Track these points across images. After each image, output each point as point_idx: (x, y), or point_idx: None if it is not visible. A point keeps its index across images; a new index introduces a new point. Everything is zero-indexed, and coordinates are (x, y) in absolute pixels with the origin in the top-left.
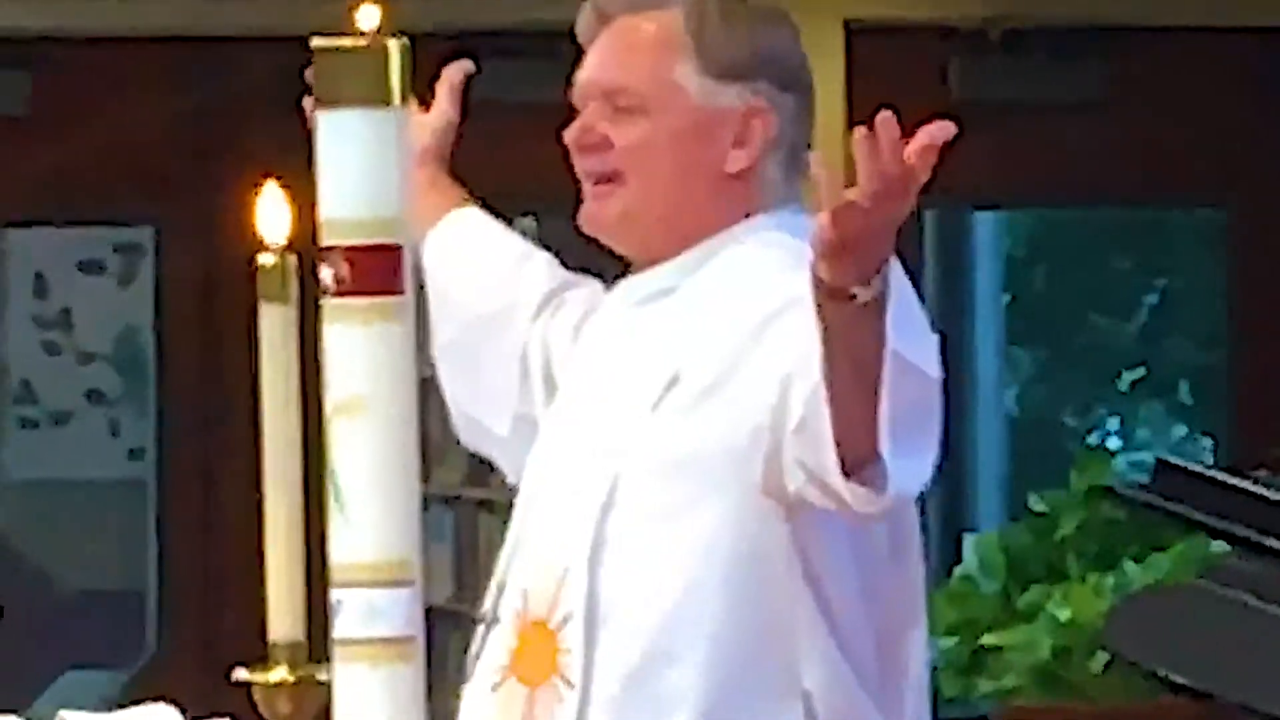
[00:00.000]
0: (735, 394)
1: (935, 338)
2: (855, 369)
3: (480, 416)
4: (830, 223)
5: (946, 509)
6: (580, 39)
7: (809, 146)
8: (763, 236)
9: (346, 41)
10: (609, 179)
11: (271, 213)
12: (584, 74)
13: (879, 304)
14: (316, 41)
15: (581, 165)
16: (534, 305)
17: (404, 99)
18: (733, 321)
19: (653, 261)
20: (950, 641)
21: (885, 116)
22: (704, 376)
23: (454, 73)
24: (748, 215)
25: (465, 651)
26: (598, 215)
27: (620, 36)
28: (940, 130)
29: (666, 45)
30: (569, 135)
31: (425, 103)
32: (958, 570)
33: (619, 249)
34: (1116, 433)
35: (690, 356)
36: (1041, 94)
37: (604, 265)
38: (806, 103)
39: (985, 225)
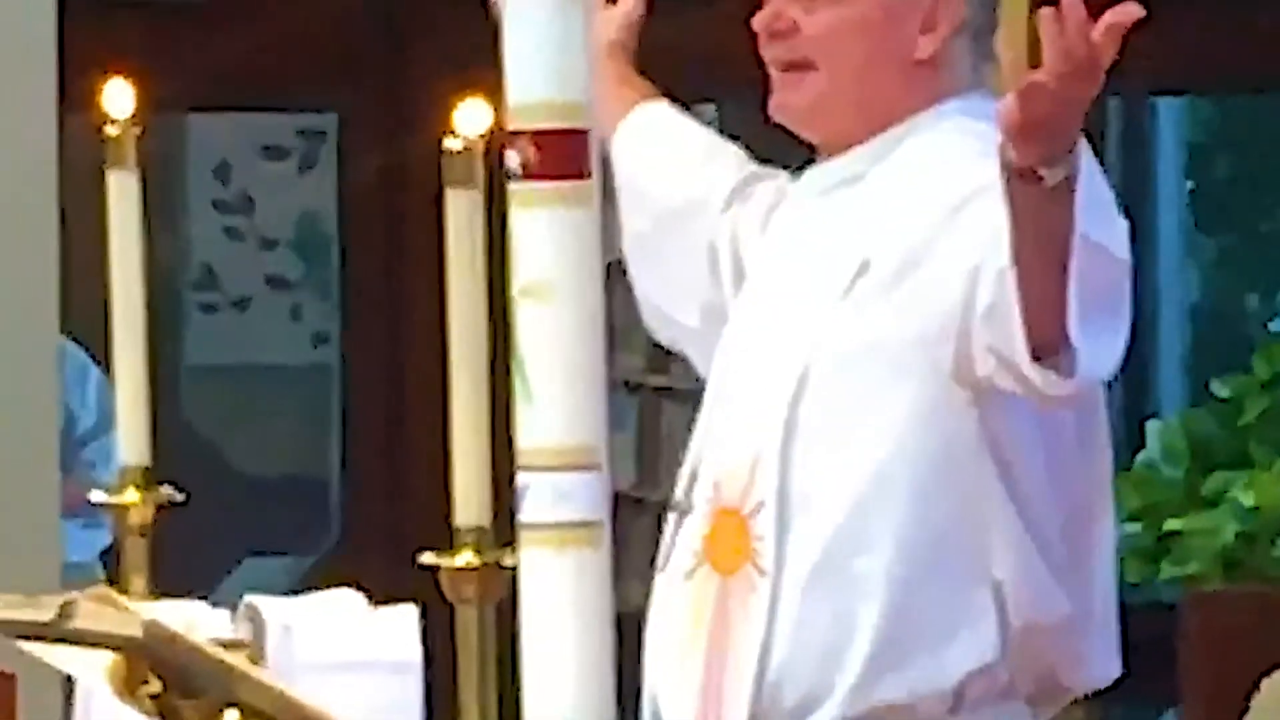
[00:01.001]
0: (925, 281)
1: (1124, 221)
2: (1043, 252)
3: (670, 308)
4: (1017, 104)
5: (1129, 395)
6: None
7: (996, 27)
8: (951, 122)
9: None
10: (798, 66)
11: (461, 102)
12: None
13: (1067, 186)
14: None
15: (770, 52)
16: (723, 197)
17: None
18: (922, 208)
19: (841, 148)
20: (1134, 527)
21: None
22: (894, 263)
23: None
24: (936, 100)
25: (648, 538)
26: (788, 103)
27: None
28: (1127, 11)
29: None
30: (758, 21)
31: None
32: (1141, 456)
33: (808, 136)
34: None
35: (880, 243)
36: None
37: (787, 152)
38: None
39: (1168, 112)
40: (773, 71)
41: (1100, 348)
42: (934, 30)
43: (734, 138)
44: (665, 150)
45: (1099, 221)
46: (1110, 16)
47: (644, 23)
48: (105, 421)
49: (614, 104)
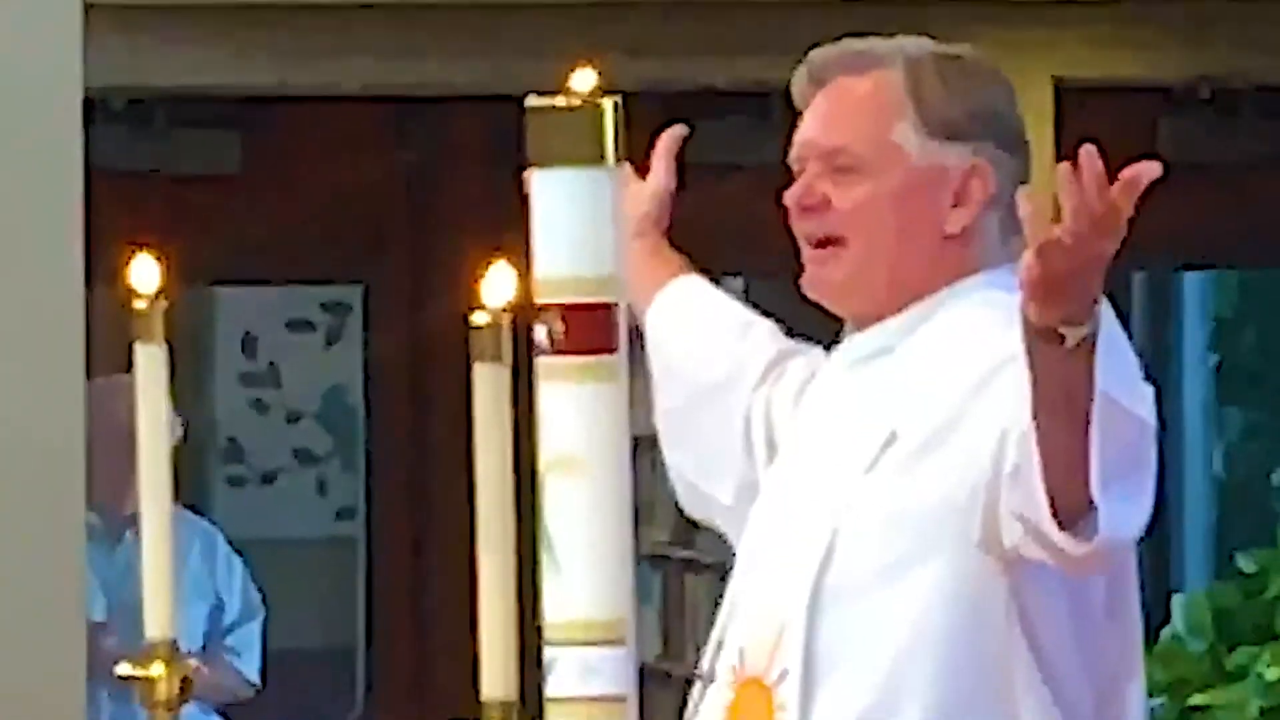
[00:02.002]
0: (953, 451)
1: (1149, 387)
2: (1066, 412)
3: (704, 485)
4: (1036, 260)
5: (1153, 568)
6: (795, 101)
7: None
8: (980, 295)
9: (559, 100)
10: (830, 242)
11: (487, 272)
12: (802, 135)
13: (1088, 346)
14: (530, 101)
15: (801, 227)
16: (757, 373)
17: (617, 158)
18: (951, 380)
19: (871, 322)
20: (1159, 701)
21: (1089, 150)
22: (922, 434)
23: (670, 140)
24: (965, 274)
25: (673, 712)
26: (821, 279)
27: (838, 97)
28: (1146, 169)
29: (885, 105)
30: (790, 196)
31: (640, 168)
32: (1166, 630)
33: (841, 312)
34: None
35: (908, 415)
36: (1251, 152)
37: (815, 325)
38: (1023, 161)
39: (1193, 285)
40: (804, 247)
41: (1124, 508)
42: (964, 205)
43: (762, 311)
44: (699, 326)
45: (1121, 382)
46: (1128, 173)
47: (675, 196)
48: (250, 610)
49: (647, 279)
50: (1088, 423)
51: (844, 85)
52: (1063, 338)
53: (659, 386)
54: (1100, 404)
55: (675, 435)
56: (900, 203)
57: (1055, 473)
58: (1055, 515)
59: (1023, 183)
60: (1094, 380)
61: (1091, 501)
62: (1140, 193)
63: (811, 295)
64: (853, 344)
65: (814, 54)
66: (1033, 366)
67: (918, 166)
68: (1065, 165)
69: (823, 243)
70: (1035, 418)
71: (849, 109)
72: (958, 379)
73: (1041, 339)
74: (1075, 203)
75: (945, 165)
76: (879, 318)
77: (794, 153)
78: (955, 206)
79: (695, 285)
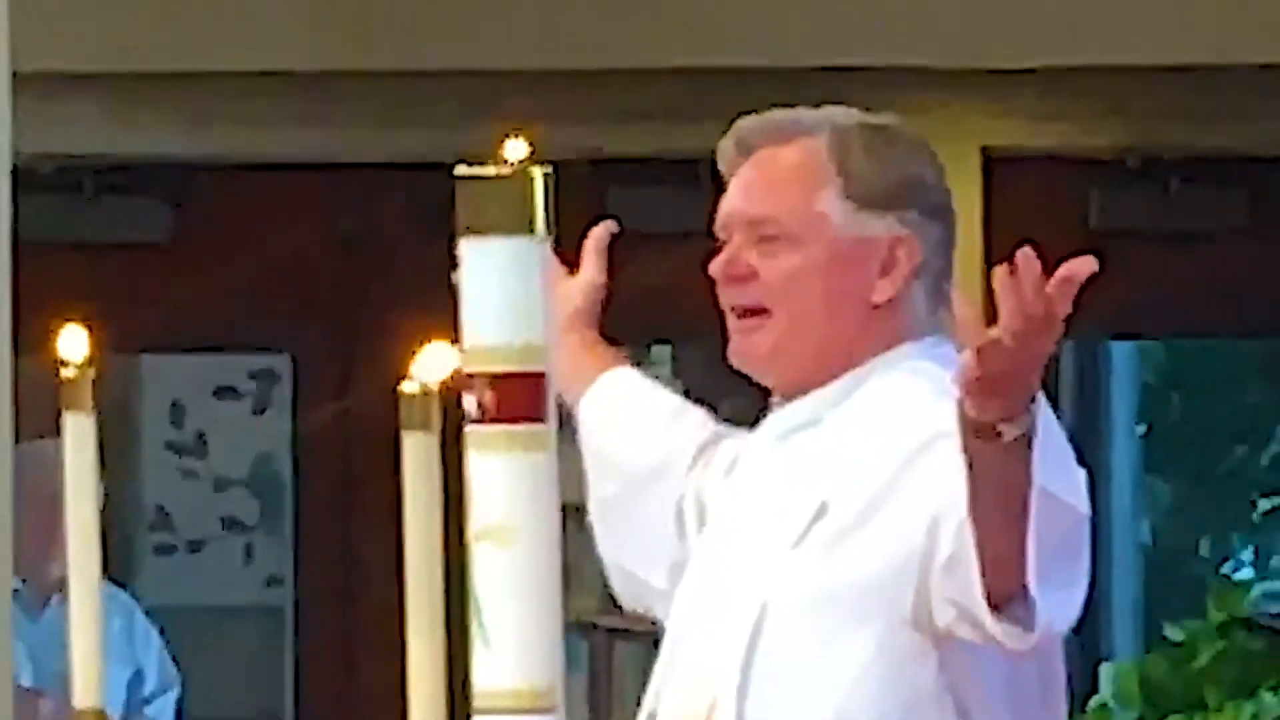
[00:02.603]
0: (884, 526)
1: (1082, 472)
2: (1003, 505)
3: (639, 570)
4: (975, 361)
5: (1082, 639)
6: (722, 169)
7: (952, 273)
8: (908, 366)
9: (489, 170)
10: (756, 312)
11: (418, 344)
12: (728, 204)
13: (1025, 441)
14: (460, 169)
15: (727, 298)
16: (689, 457)
17: (548, 227)
18: (879, 454)
19: (799, 392)
20: None
21: (1026, 254)
22: (852, 508)
23: (600, 236)
24: (893, 344)
25: None
26: (747, 350)
27: (764, 167)
28: (1081, 265)
29: (811, 175)
30: (715, 267)
31: (571, 265)
32: (1094, 700)
33: (767, 383)
34: (1250, 563)
35: (837, 488)
36: (1180, 223)
37: (744, 394)
38: (949, 230)
39: (1121, 354)
40: (730, 317)
41: (1061, 600)
42: (891, 275)
43: (690, 378)
44: (631, 416)
45: (1057, 473)
46: (1064, 271)
47: (606, 290)
48: (167, 680)
49: (579, 373)
50: (1024, 514)
51: (770, 155)
52: (1000, 434)
53: (592, 476)
54: (1038, 497)
55: (610, 523)
56: (826, 273)
57: (991, 564)
58: (990, 600)
59: (951, 252)
60: (1031, 474)
61: (1027, 590)
62: (1076, 289)
63: (738, 365)
64: (781, 415)
65: (740, 123)
66: (970, 461)
67: (843, 236)
68: (1002, 268)
69: (748, 313)
70: (971, 509)
71: (775, 179)
72: (886, 453)
73: (979, 434)
74: (1013, 304)
75: (871, 235)
76: (807, 388)
77: (720, 222)
78: (882, 276)
79: (627, 376)
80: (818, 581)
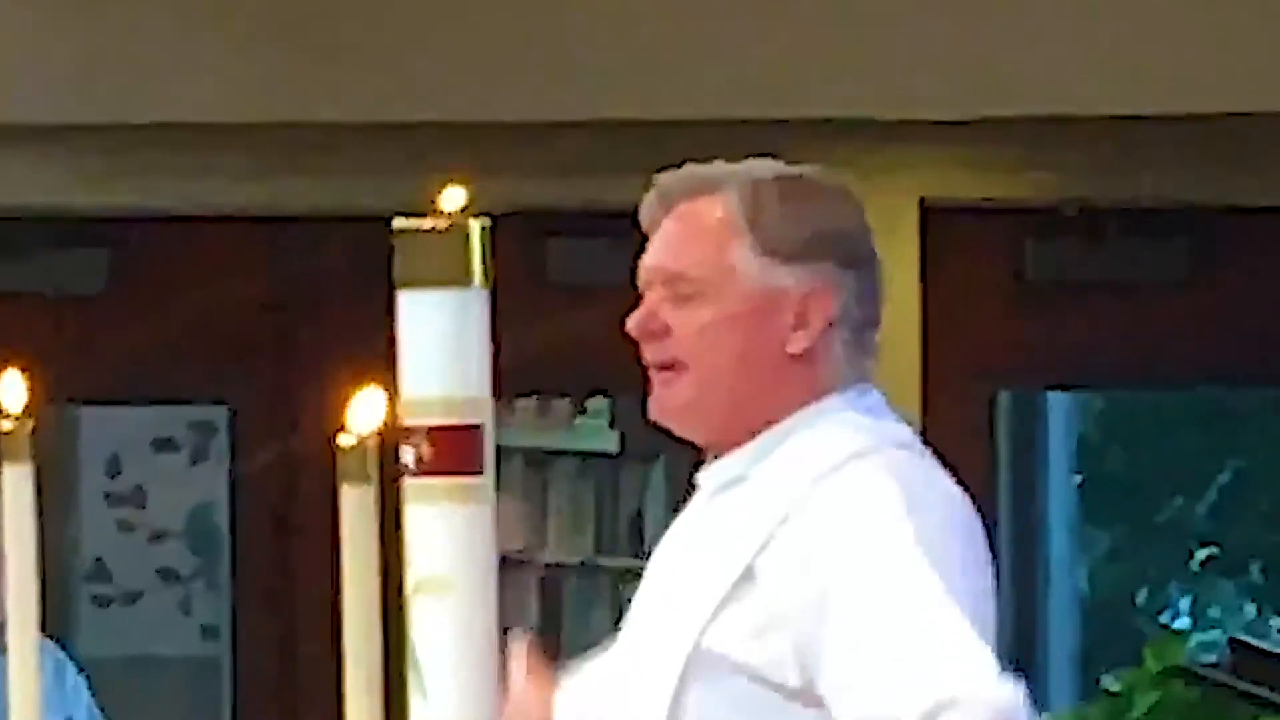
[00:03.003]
0: (805, 588)
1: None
2: None
3: None
4: None
5: None
6: (643, 224)
7: (878, 322)
8: (833, 418)
9: (427, 222)
10: (670, 366)
11: (355, 395)
12: (646, 260)
13: None
14: (397, 222)
15: (645, 353)
16: None
17: (484, 278)
18: (800, 511)
19: (726, 447)
20: None
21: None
22: (773, 569)
23: (521, 656)
24: (815, 395)
25: None
26: (664, 404)
27: (681, 221)
28: None
29: (724, 229)
30: (631, 324)
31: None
32: None
33: (687, 436)
34: (1188, 612)
35: (759, 548)
36: (1117, 274)
37: (679, 447)
38: (871, 279)
39: (1058, 404)
40: (650, 371)
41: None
42: (807, 325)
43: (626, 430)
44: None
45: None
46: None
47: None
48: None
49: None
50: None
51: (688, 209)
52: None
53: None
54: None
55: None
56: (738, 326)
57: None
58: None
59: (875, 300)
60: None
61: None
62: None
63: (655, 419)
64: (711, 471)
65: (660, 177)
66: None
67: (755, 289)
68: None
69: (664, 368)
70: None
71: (690, 233)
72: (811, 510)
73: None
74: None
75: (784, 287)
76: (728, 442)
77: (640, 277)
78: (797, 328)
79: None
80: (739, 645)
